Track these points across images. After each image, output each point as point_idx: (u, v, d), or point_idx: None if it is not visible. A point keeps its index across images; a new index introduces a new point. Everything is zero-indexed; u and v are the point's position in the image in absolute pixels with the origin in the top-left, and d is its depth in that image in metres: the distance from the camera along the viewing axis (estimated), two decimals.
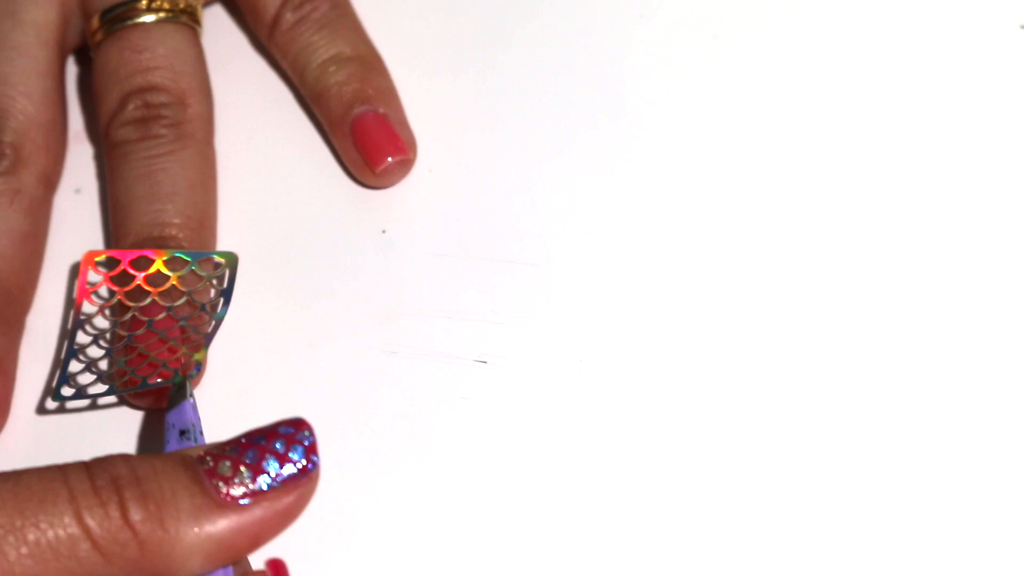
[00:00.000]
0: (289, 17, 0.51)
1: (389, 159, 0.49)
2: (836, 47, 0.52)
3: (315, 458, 0.40)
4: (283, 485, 0.39)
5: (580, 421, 0.46)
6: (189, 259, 0.46)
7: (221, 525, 0.38)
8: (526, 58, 0.52)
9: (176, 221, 0.47)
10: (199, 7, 0.50)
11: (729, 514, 0.44)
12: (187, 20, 0.50)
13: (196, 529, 0.38)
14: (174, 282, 0.45)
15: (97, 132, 0.51)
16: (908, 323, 0.47)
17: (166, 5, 0.49)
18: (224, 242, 0.49)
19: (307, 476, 0.39)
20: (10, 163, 0.48)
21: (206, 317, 0.46)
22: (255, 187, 0.50)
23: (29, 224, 0.48)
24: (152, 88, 0.49)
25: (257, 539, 0.39)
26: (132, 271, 0.45)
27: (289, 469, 0.39)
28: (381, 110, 0.50)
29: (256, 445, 0.40)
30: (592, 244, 0.49)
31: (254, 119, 0.52)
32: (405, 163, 0.50)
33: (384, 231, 0.49)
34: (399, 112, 0.50)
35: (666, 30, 0.52)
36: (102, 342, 0.45)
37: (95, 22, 0.50)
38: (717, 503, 0.44)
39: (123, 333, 0.45)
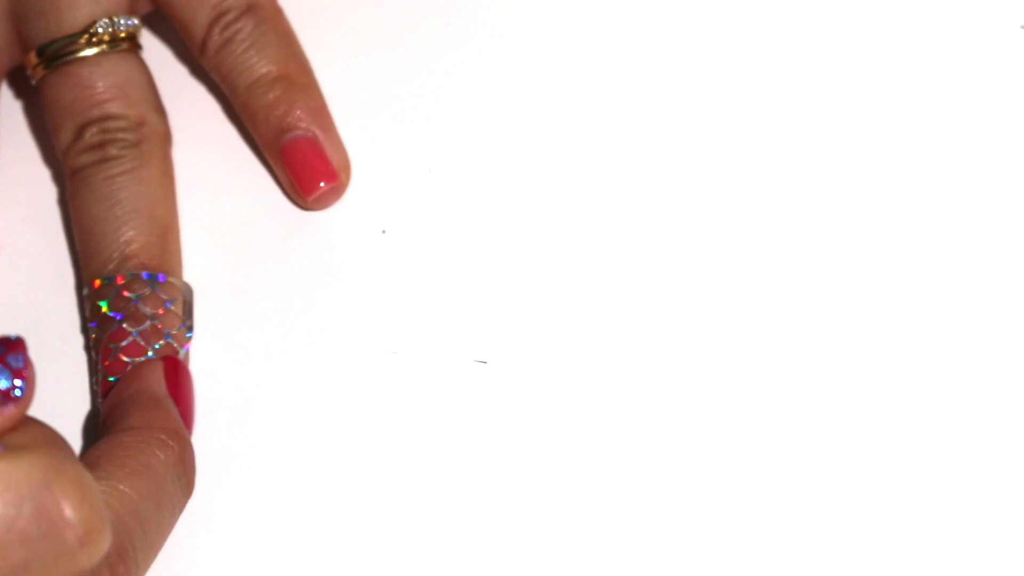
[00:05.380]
0: (216, 38, 0.50)
1: (321, 184, 0.49)
2: (836, 47, 0.52)
3: (21, 383, 0.38)
4: None
5: (580, 421, 0.46)
6: (148, 280, 0.46)
7: None
8: (526, 57, 0.52)
9: (138, 240, 0.47)
10: (138, 32, 0.50)
11: (729, 514, 0.44)
12: (128, 47, 0.50)
13: None
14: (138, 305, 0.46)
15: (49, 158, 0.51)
16: (908, 322, 0.47)
17: (106, 37, 0.49)
18: (226, 242, 0.49)
19: (11, 402, 0.38)
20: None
21: (174, 347, 0.46)
22: (255, 187, 0.50)
23: None
24: (108, 117, 0.48)
25: None
26: (95, 301, 0.46)
27: None
28: (311, 133, 0.49)
29: None
30: (592, 244, 0.49)
31: None
32: (338, 188, 0.49)
33: (384, 231, 0.49)
34: (330, 132, 0.50)
35: (666, 30, 0.52)
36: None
37: (33, 58, 0.49)
38: (717, 503, 0.44)
39: (100, 362, 0.46)
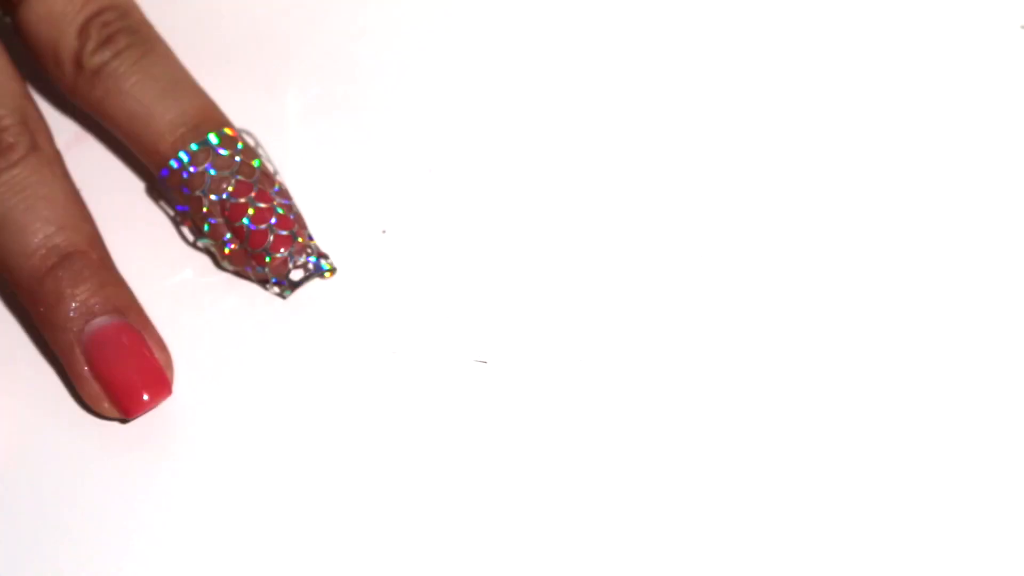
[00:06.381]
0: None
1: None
2: (836, 47, 0.52)
3: None
4: None
5: (580, 421, 0.46)
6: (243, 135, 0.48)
7: None
8: (526, 57, 0.52)
9: (208, 105, 0.48)
10: None
11: (728, 514, 0.44)
12: None
13: None
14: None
15: None
16: (908, 321, 0.47)
17: None
18: None
19: None
20: (30, 139, 0.48)
21: (290, 203, 0.48)
22: None
23: (73, 185, 0.48)
24: (100, 11, 0.49)
25: None
26: (222, 150, 0.47)
27: None
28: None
29: None
30: (592, 244, 0.49)
31: (250, 120, 0.52)
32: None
33: (384, 231, 0.49)
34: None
35: (668, 29, 0.52)
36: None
37: None
38: (717, 503, 0.44)
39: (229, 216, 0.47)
